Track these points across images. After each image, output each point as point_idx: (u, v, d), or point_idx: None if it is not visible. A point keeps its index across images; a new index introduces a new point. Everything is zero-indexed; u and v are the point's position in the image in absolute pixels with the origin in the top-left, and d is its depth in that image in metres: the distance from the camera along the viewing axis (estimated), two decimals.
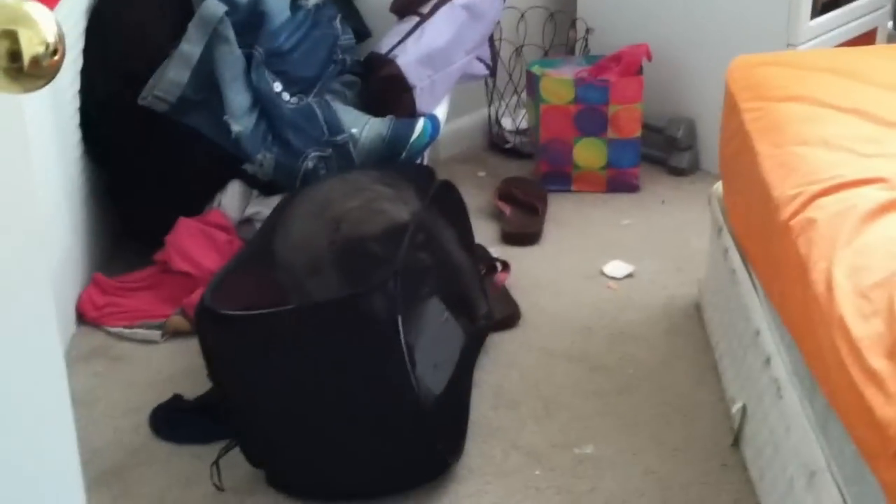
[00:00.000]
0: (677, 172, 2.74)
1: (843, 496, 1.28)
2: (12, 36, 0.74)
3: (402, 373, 1.55)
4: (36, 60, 0.76)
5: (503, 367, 1.97)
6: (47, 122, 2.00)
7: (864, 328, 1.24)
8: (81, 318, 2.10)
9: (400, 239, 1.69)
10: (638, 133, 2.64)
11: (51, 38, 0.77)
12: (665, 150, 2.76)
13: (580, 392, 1.90)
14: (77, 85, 2.18)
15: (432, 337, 1.76)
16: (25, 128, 0.92)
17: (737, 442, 1.71)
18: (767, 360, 1.57)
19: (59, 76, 1.99)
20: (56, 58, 0.78)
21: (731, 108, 1.85)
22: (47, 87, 2.02)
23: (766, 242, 1.60)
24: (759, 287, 1.68)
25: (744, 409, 1.68)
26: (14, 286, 0.89)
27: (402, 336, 1.54)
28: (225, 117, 2.14)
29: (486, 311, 2.04)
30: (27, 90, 0.79)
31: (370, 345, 1.56)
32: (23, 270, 0.91)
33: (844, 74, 1.83)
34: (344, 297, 1.61)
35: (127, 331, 2.07)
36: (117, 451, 1.74)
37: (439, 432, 1.63)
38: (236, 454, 1.65)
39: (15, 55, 0.74)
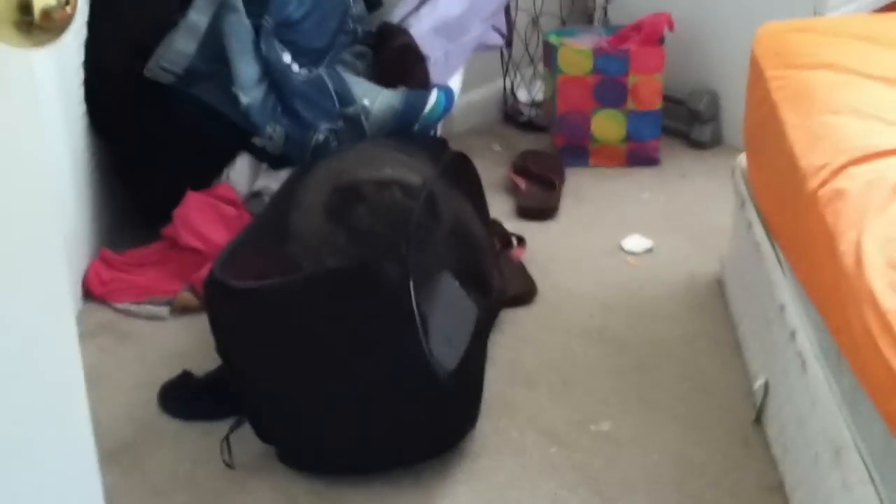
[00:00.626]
0: (699, 146, 2.73)
1: (869, 473, 1.28)
2: None
3: (415, 340, 1.55)
4: (47, 13, 0.75)
5: (519, 343, 1.97)
6: (52, 94, 2.00)
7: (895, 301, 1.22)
8: (88, 293, 2.10)
9: (411, 207, 1.68)
10: (658, 105, 2.62)
11: None
12: (686, 123, 2.74)
13: (598, 369, 1.89)
14: (82, 56, 2.17)
15: (445, 311, 1.76)
16: (36, 94, 0.91)
17: (759, 419, 1.71)
18: (792, 335, 1.56)
19: (63, 47, 1.96)
20: (68, 10, 0.76)
21: (756, 76, 1.84)
22: (52, 59, 2.01)
23: (792, 214, 1.58)
24: (784, 261, 1.66)
25: (766, 386, 1.67)
26: (28, 259, 0.88)
27: (414, 302, 1.54)
28: (233, 89, 2.13)
29: (500, 286, 2.04)
30: (38, 44, 0.78)
31: (382, 312, 1.56)
32: (37, 243, 0.90)
33: (874, 41, 1.81)
34: (354, 264, 1.61)
35: (134, 307, 2.07)
36: (126, 428, 1.75)
37: (453, 403, 1.63)
38: (247, 431, 1.65)
39: (26, 7, 0.73)
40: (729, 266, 2.06)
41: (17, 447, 0.87)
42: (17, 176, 0.86)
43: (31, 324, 0.89)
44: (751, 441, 1.69)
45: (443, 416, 1.63)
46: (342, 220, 1.73)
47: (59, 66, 2.04)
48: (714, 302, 2.07)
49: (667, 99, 2.64)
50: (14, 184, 0.85)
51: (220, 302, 1.62)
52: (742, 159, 1.98)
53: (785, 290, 1.64)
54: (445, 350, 1.70)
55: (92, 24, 2.18)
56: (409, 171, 1.84)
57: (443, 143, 2.18)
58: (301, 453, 1.67)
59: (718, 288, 2.10)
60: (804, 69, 1.75)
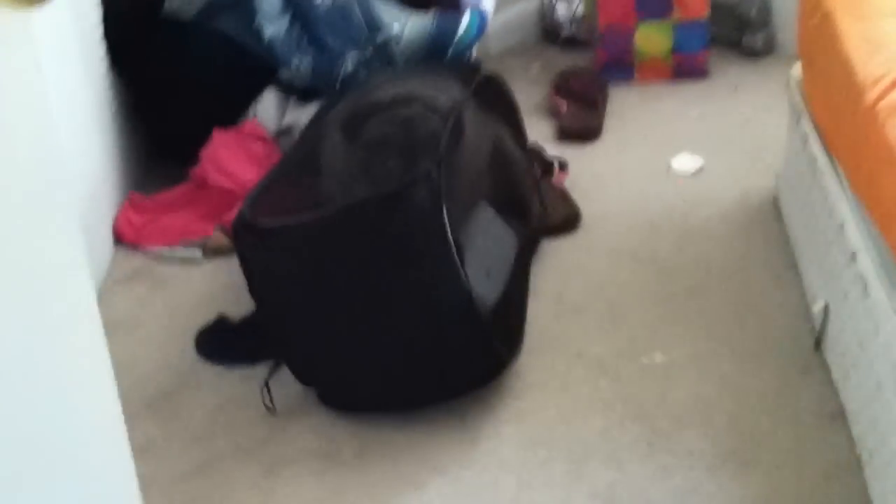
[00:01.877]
0: (751, 54, 2.65)
1: None
2: None
3: (452, 267, 1.53)
4: None
5: (564, 273, 1.95)
6: (69, 36, 1.99)
7: None
8: (119, 239, 2.12)
9: (440, 130, 1.65)
10: (706, 13, 2.55)
11: None
12: (737, 30, 2.66)
13: (648, 296, 1.87)
14: None
15: (483, 242, 1.74)
16: (38, 57, 0.90)
17: (819, 344, 1.68)
18: (853, 256, 1.52)
19: None
20: None
21: None
22: (67, 1, 1.97)
23: (850, 128, 1.54)
24: (842, 177, 1.62)
25: (826, 309, 1.64)
26: (38, 223, 0.87)
27: (448, 227, 1.52)
28: (256, 20, 2.10)
29: (541, 214, 2.01)
30: (33, 4, 0.76)
31: (415, 240, 1.55)
32: (46, 202, 0.90)
33: None
34: (383, 192, 1.58)
35: (167, 251, 2.09)
36: (164, 375, 1.77)
37: (495, 336, 1.62)
38: (286, 373, 1.66)
39: None
40: (784, 184, 2.01)
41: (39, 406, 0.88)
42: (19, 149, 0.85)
43: (47, 289, 0.89)
44: (810, 367, 1.66)
45: (485, 349, 1.62)
46: (370, 149, 1.71)
47: (75, 7, 2.02)
48: (769, 222, 2.02)
49: (714, 6, 2.56)
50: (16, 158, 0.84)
51: (249, 242, 1.61)
52: (797, 69, 1.92)
53: (844, 208, 1.59)
54: (485, 282, 1.69)
55: None
56: (438, 94, 1.80)
57: (475, 66, 2.14)
58: (341, 393, 1.68)
59: (773, 207, 2.05)
60: None
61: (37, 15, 0.87)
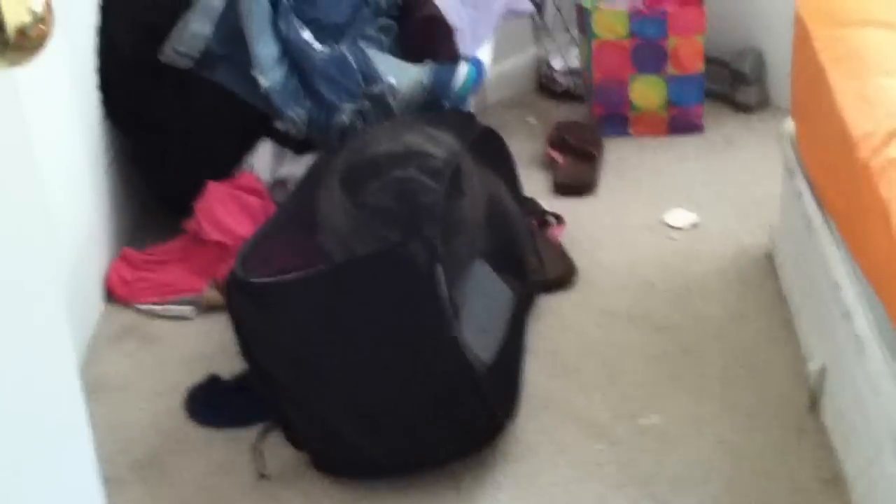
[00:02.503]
0: (745, 109, 2.67)
1: None
2: None
3: (447, 329, 1.52)
4: (22, 31, 0.74)
5: (560, 330, 1.94)
6: (64, 85, 1.99)
7: None
8: (110, 295, 2.10)
9: (436, 187, 1.66)
10: (700, 68, 2.56)
11: (37, 6, 0.74)
12: (731, 86, 2.68)
13: (644, 355, 1.86)
14: (94, 42, 2.15)
15: (479, 299, 1.74)
16: (22, 112, 0.89)
17: (814, 405, 1.67)
18: (847, 315, 1.51)
19: (77, 34, 1.93)
20: (43, 27, 0.75)
21: (802, 36, 1.79)
22: (64, 47, 1.97)
23: (843, 185, 1.55)
24: (836, 234, 1.62)
25: (822, 369, 1.63)
26: (21, 289, 0.87)
27: (444, 288, 1.51)
28: (252, 71, 2.11)
29: (538, 268, 2.01)
30: (13, 64, 0.77)
31: (410, 301, 1.54)
32: (29, 268, 0.89)
33: None
34: (378, 252, 1.59)
35: (159, 307, 2.07)
36: (152, 437, 1.74)
37: (490, 397, 1.61)
38: (278, 436, 1.64)
39: None
40: (779, 240, 2.02)
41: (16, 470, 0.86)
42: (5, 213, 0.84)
43: (27, 354, 0.88)
44: (806, 429, 1.65)
45: (480, 410, 1.61)
46: (366, 205, 1.70)
47: (72, 53, 2.03)
48: (764, 278, 2.02)
49: (709, 61, 2.59)
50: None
51: (241, 300, 1.60)
52: (790, 124, 1.93)
53: (838, 265, 1.59)
54: (481, 341, 1.68)
55: (105, 9, 2.17)
56: (435, 148, 1.80)
57: (471, 118, 2.15)
58: (335, 458, 1.65)
59: (768, 263, 2.06)
60: (853, 27, 1.70)
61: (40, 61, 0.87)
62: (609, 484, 1.59)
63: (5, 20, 0.73)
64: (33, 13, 0.75)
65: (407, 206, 1.66)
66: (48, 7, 0.76)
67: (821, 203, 1.71)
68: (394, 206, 1.68)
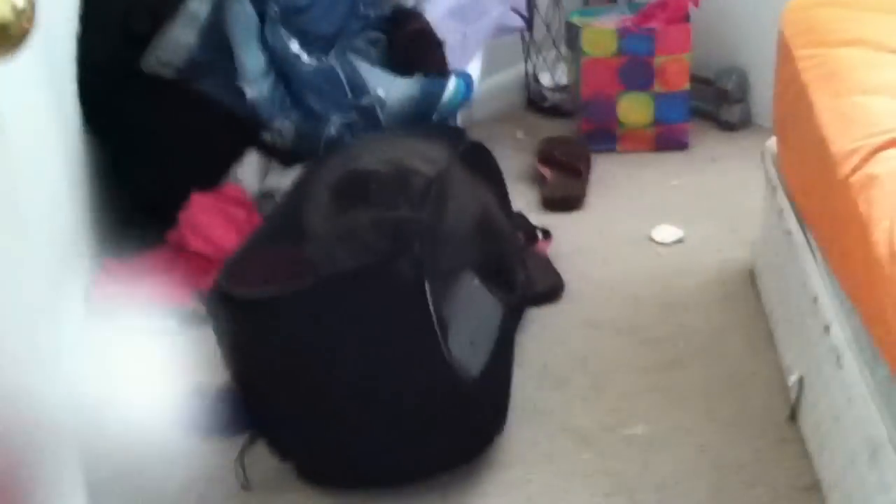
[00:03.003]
0: (729, 127, 2.71)
1: None
2: None
3: (433, 343, 1.53)
4: (4, 27, 0.74)
5: (547, 343, 1.97)
6: (42, 93, 1.92)
7: None
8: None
9: (423, 200, 1.66)
10: (686, 86, 2.61)
11: (20, 2, 0.74)
12: (715, 104, 2.72)
13: (629, 367, 1.89)
14: (73, 50, 2.09)
15: (467, 312, 1.74)
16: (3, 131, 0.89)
17: (794, 415, 1.70)
18: (826, 328, 1.55)
19: (55, 42, 1.89)
20: (25, 24, 0.75)
21: (785, 55, 1.82)
22: (41, 55, 1.93)
23: (824, 201, 1.58)
24: (816, 250, 1.66)
25: (801, 381, 1.67)
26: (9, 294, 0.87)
27: (430, 302, 1.52)
28: (238, 81, 2.10)
29: (526, 282, 2.04)
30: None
31: (396, 315, 1.54)
32: (11, 275, 0.89)
33: None
34: (363, 265, 1.58)
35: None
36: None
37: (479, 409, 1.63)
38: (264, 448, 1.65)
39: None
40: (761, 255, 2.06)
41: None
42: None
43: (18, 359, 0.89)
44: (786, 438, 1.68)
45: (468, 423, 1.62)
46: (353, 218, 1.69)
47: (50, 62, 1.95)
48: (746, 292, 2.06)
49: (695, 79, 2.63)
50: None
51: (224, 313, 1.59)
52: (772, 142, 1.97)
53: (818, 280, 1.63)
54: (469, 353, 1.67)
55: (84, 17, 2.12)
56: (422, 162, 1.80)
57: (459, 132, 2.17)
58: (320, 469, 1.65)
59: (751, 278, 2.10)
60: (834, 47, 1.73)
61: (4, 71, 0.87)
62: (595, 492, 1.62)
63: None
64: (15, 9, 0.74)
65: (394, 219, 1.67)
66: (31, 3, 0.76)
67: (802, 219, 1.75)
68: (381, 219, 1.69)
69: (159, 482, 1.67)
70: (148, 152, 2.18)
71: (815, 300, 1.62)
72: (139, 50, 2.08)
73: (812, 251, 1.68)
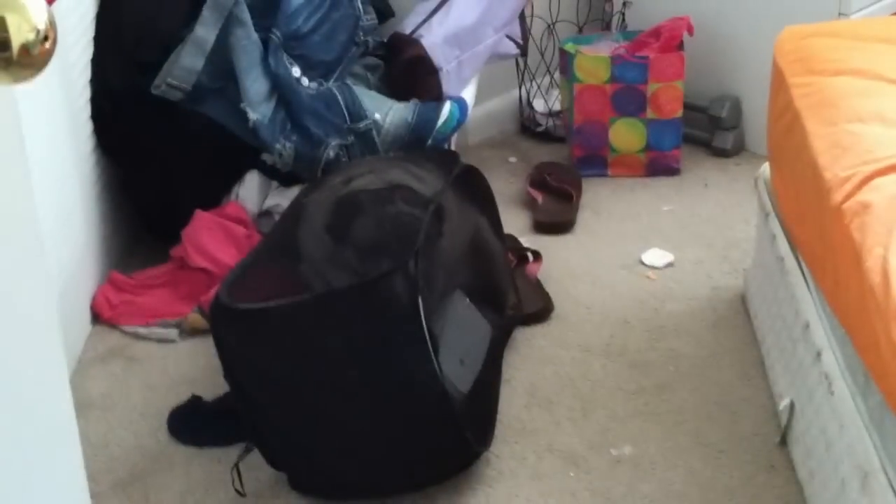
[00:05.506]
0: (721, 154, 2.70)
1: None
2: (0, 23, 0.72)
3: (426, 360, 1.54)
4: (26, 48, 0.74)
5: (536, 363, 1.95)
6: (58, 114, 2.01)
7: None
8: (97, 317, 2.11)
9: (419, 221, 1.67)
10: (679, 113, 2.60)
11: (41, 24, 0.75)
12: (708, 131, 2.72)
13: (618, 390, 1.87)
14: (88, 74, 2.17)
15: (458, 330, 1.75)
16: (21, 131, 0.90)
17: (784, 441, 1.68)
18: (818, 355, 1.53)
19: (70, 66, 1.96)
20: (47, 45, 0.76)
21: (779, 83, 1.82)
22: (57, 78, 2.01)
23: (816, 228, 1.56)
24: (809, 276, 1.64)
25: (792, 406, 1.65)
26: (14, 301, 0.87)
27: (423, 320, 1.53)
28: (242, 105, 2.13)
29: (515, 303, 2.02)
30: (17, 81, 0.78)
31: (391, 331, 1.55)
32: (23, 282, 0.89)
33: None
34: (360, 283, 1.60)
35: (143, 330, 2.08)
36: (136, 455, 1.75)
37: (467, 425, 1.62)
38: (258, 456, 1.64)
39: (3, 44, 0.73)
40: (752, 281, 2.04)
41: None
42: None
43: (19, 364, 0.88)
44: (776, 464, 1.66)
45: (456, 439, 1.61)
46: (349, 237, 1.72)
47: (65, 84, 2.05)
48: (737, 318, 2.04)
49: (687, 106, 2.62)
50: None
51: (225, 325, 1.61)
52: (766, 169, 1.96)
53: (810, 307, 1.61)
54: (459, 371, 1.69)
55: (98, 41, 2.19)
56: (417, 184, 1.83)
57: (454, 156, 2.17)
58: (312, 479, 1.67)
59: (742, 304, 2.08)
60: (828, 75, 1.72)
61: (25, 93, 0.88)
62: None
63: (11, 38, 0.73)
64: (37, 31, 0.75)
65: (389, 239, 1.68)
66: (52, 26, 0.77)
67: (794, 246, 1.74)
68: (376, 239, 1.70)
69: (158, 490, 1.68)
70: (155, 171, 2.24)
71: (806, 326, 1.60)
72: (149, 75, 2.14)
73: (804, 277, 1.67)
